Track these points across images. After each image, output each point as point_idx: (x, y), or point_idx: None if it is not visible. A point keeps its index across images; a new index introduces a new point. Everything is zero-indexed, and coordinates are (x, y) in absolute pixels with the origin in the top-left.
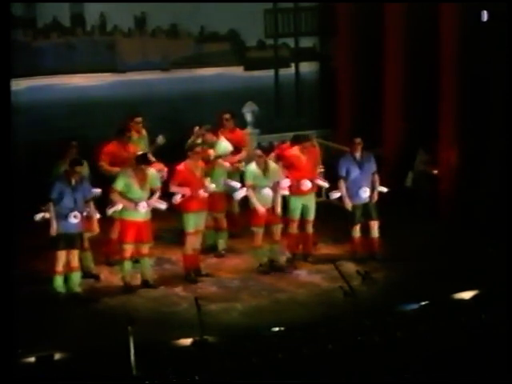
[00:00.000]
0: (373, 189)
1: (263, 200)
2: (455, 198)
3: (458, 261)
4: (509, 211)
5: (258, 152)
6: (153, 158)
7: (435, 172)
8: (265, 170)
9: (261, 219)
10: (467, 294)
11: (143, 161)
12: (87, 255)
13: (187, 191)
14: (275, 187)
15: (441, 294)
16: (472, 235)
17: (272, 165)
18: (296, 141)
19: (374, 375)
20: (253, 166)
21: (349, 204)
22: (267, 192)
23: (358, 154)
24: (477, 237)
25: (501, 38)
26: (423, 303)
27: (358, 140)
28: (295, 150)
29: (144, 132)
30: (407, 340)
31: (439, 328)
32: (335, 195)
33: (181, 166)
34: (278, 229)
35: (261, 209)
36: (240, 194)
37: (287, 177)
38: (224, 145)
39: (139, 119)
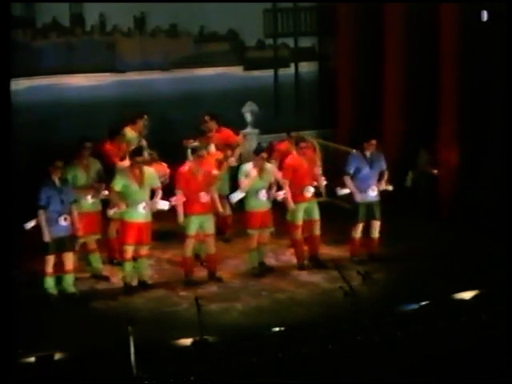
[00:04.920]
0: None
1: (259, 203)
2: (455, 198)
3: (458, 261)
4: (509, 211)
5: (263, 155)
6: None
7: (435, 172)
8: (260, 171)
9: (256, 222)
10: (467, 294)
11: (138, 153)
12: (95, 256)
13: (182, 198)
14: (271, 188)
15: (441, 294)
16: (472, 235)
17: (267, 165)
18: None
19: (374, 375)
20: (249, 166)
21: (359, 197)
22: (262, 195)
23: (368, 153)
24: (477, 237)
25: (501, 38)
26: (423, 303)
27: (374, 142)
28: (295, 157)
29: (145, 132)
30: (407, 340)
31: (439, 328)
32: (343, 191)
33: (183, 168)
34: (268, 232)
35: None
36: (236, 196)
37: (289, 185)
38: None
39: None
